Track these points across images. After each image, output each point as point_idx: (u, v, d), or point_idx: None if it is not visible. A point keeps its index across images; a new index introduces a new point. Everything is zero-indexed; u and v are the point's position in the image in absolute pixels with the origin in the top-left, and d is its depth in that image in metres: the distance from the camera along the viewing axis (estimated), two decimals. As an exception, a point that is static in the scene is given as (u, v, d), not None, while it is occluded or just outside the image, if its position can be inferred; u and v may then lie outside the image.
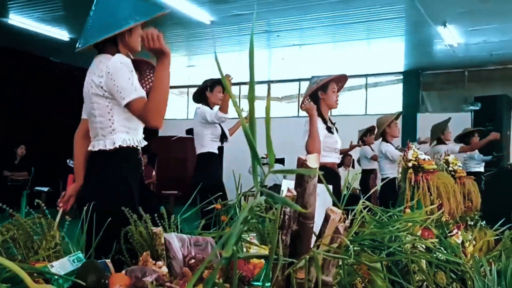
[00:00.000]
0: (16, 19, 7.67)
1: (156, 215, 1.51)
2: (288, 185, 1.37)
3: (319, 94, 3.48)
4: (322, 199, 1.43)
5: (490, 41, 8.37)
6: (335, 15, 7.44)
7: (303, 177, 0.89)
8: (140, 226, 1.39)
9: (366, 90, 11.98)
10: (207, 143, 4.15)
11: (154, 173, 9.76)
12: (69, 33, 8.56)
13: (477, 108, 8.24)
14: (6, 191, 8.67)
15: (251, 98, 0.58)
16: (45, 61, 10.44)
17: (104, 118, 1.91)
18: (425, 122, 9.66)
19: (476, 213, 3.75)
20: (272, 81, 13.08)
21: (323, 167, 3.50)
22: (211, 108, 4.18)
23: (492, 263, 1.35)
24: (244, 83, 13.24)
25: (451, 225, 2.77)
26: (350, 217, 1.25)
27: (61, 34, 8.48)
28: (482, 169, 6.61)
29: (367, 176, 6.59)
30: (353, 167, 9.33)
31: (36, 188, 9.16)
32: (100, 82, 1.88)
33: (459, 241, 2.36)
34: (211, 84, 4.23)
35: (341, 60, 10.53)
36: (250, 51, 0.54)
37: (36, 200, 1.42)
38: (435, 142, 6.50)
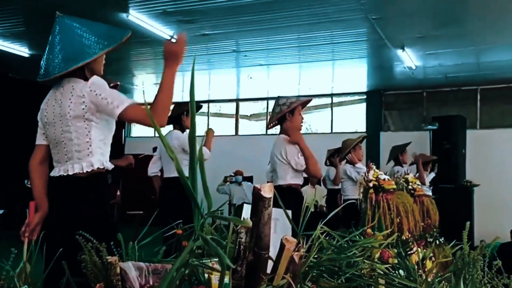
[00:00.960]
0: (-26, 35, 7.46)
1: (112, 242, 1.48)
2: (276, 213, 1.38)
3: (287, 116, 3.65)
4: (282, 224, 1.45)
5: (445, 64, 8.76)
6: (301, 37, 7.62)
7: (258, 207, 0.90)
8: (94, 256, 1.35)
9: (332, 109, 12.23)
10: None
11: (118, 192, 9.55)
12: (29, 49, 8.37)
13: (435, 127, 8.56)
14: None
15: (192, 147, 0.59)
16: (4, 78, 10.13)
17: (81, 141, 1.90)
18: (388, 140, 9.93)
19: (435, 230, 3.87)
20: (241, 100, 13.16)
21: (292, 188, 3.61)
22: (183, 131, 4.34)
23: (444, 285, 1.39)
24: (213, 101, 13.27)
25: (410, 243, 2.84)
26: (309, 242, 1.27)
27: (21, 50, 8.27)
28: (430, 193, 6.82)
29: (334, 195, 6.68)
30: (319, 184, 9.43)
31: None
32: (83, 102, 1.87)
33: (419, 259, 2.42)
34: (187, 110, 4.38)
35: (308, 80, 10.74)
36: (191, 93, 0.55)
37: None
38: (392, 162, 6.73)
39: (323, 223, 1.37)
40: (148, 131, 13.96)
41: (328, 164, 7.40)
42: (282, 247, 0.96)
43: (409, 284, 1.24)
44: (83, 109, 1.88)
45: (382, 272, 1.41)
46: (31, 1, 6.20)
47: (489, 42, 7.52)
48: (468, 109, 10.46)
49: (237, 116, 13.31)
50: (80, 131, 1.90)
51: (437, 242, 3.71)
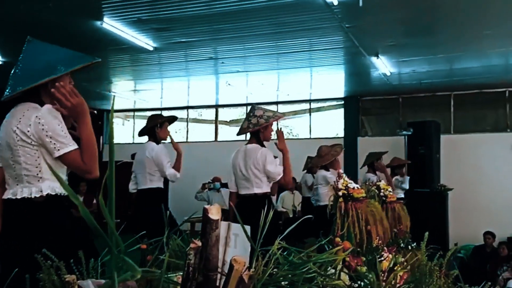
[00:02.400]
0: None
1: (72, 260, 1.47)
2: (235, 229, 1.39)
3: (261, 129, 3.82)
4: (241, 239, 1.46)
5: (418, 71, 8.94)
6: (279, 44, 7.68)
7: (206, 229, 0.92)
8: (53, 274, 1.35)
9: (310, 114, 12.33)
10: (156, 179, 4.31)
11: (94, 201, 9.42)
12: (2, 57, 8.23)
13: (410, 133, 8.72)
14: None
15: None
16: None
17: (31, 166, 1.87)
18: (365, 145, 10.05)
19: (407, 235, 3.95)
20: (220, 106, 13.16)
21: (268, 196, 3.74)
22: (158, 143, 4.38)
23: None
24: (192, 107, 13.23)
25: (380, 250, 2.89)
26: (265, 258, 1.29)
27: (-9, 62, 8.14)
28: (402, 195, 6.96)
29: (310, 202, 6.73)
30: (297, 190, 9.50)
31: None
32: (28, 130, 1.85)
33: (390, 265, 2.46)
34: (161, 122, 4.45)
35: (286, 86, 10.82)
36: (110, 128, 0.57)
37: None
38: (366, 168, 6.84)
39: (288, 232, 1.39)
40: (126, 138, 13.85)
41: (306, 171, 7.46)
42: (231, 267, 0.97)
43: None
44: (29, 137, 1.86)
45: (344, 284, 1.44)
46: (5, 10, 6.10)
47: (460, 50, 7.71)
48: (443, 114, 10.68)
49: (216, 122, 13.31)
50: (29, 156, 1.88)
51: (409, 247, 3.79)
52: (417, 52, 7.83)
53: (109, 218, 0.49)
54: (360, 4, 5.41)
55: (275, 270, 1.25)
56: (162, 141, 4.53)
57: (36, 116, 1.85)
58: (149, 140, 4.48)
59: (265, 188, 3.75)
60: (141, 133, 4.64)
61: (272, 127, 3.93)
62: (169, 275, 1.55)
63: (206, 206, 0.95)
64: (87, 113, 1.93)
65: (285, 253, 1.37)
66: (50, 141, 1.84)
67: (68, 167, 1.88)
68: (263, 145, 3.87)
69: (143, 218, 4.10)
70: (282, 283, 1.22)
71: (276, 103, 12.33)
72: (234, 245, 1.43)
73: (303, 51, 8.04)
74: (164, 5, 5.92)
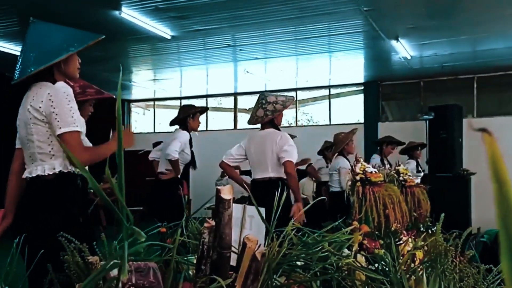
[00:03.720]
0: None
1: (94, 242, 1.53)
2: (236, 208, 1.43)
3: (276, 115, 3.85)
4: (257, 221, 1.49)
5: (440, 53, 8.75)
6: (297, 30, 7.62)
7: (219, 208, 0.95)
8: (77, 256, 1.40)
9: (330, 100, 12.25)
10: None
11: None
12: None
13: (431, 117, 8.57)
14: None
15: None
16: (1, 77, 10.17)
17: (43, 143, 1.91)
18: (386, 130, 9.93)
19: (427, 219, 3.92)
20: (239, 93, 13.18)
21: (283, 180, 3.76)
22: (189, 132, 4.44)
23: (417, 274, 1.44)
24: (211, 96, 13.30)
25: (399, 234, 2.89)
26: (280, 238, 1.32)
27: (16, 49, 8.31)
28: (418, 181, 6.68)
29: (320, 187, 6.83)
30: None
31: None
32: (40, 107, 1.89)
33: (410, 248, 2.47)
34: (194, 113, 4.53)
35: (305, 72, 10.75)
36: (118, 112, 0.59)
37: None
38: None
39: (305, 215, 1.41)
40: (147, 127, 14.02)
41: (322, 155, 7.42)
42: (244, 245, 1.00)
43: (376, 277, 1.29)
44: (41, 113, 1.90)
45: (359, 265, 1.46)
46: (24, 1, 6.22)
47: (484, 31, 7.51)
48: (465, 97, 10.46)
49: (235, 110, 13.34)
50: (41, 134, 1.92)
51: (430, 232, 3.77)
52: (439, 35, 7.66)
53: (118, 192, 0.52)
54: (379, -14, 5.32)
55: (289, 250, 1.27)
56: (193, 131, 4.57)
57: (48, 93, 1.89)
58: (180, 128, 4.52)
59: (281, 173, 3.77)
60: (172, 123, 4.69)
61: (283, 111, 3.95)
62: (188, 257, 1.60)
63: (219, 187, 0.97)
64: (127, 144, 2.01)
65: (299, 234, 1.39)
66: (56, 118, 1.87)
67: (65, 145, 1.86)
68: (279, 130, 3.90)
69: (157, 204, 4.20)
70: (297, 262, 1.25)
71: (295, 89, 12.28)
72: (250, 227, 1.46)
73: (322, 36, 7.97)
74: (181, -7, 5.95)
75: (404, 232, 3.17)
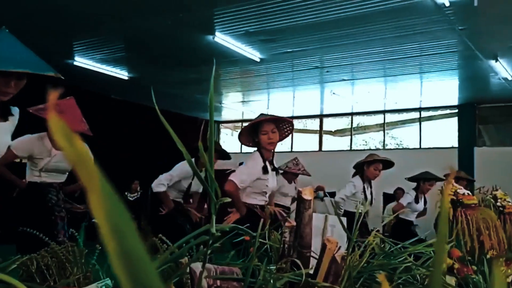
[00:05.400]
0: (81, 60, 8.34)
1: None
2: (318, 218, 1.46)
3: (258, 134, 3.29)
4: (338, 231, 1.50)
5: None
6: (387, 50, 7.50)
7: (300, 208, 0.98)
8: (168, 256, 1.50)
9: (420, 123, 11.74)
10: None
11: (205, 206, 9.99)
12: (128, 73, 9.17)
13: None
14: (68, 222, 9.18)
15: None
16: (106, 99, 11.18)
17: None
18: (483, 156, 9.28)
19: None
20: (324, 115, 13.14)
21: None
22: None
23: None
24: (296, 117, 13.41)
25: (500, 262, 2.68)
26: (361, 248, 1.31)
27: (121, 73, 9.10)
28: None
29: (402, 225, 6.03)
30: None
31: (94, 220, 9.64)
32: None
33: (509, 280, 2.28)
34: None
35: (394, 94, 10.46)
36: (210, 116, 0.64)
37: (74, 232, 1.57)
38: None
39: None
40: (235, 148, 14.46)
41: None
42: (323, 247, 1.02)
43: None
44: None
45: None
46: (130, 30, 6.84)
47: None
48: None
49: (321, 132, 13.30)
50: None
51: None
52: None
53: (209, 167, 0.57)
54: (475, 3, 5.07)
55: (370, 260, 1.26)
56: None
57: None
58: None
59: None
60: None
61: (268, 134, 3.26)
62: (270, 267, 1.63)
63: (300, 188, 1.01)
64: None
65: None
66: None
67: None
68: (261, 154, 3.47)
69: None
70: (378, 272, 1.23)
71: (383, 111, 11.96)
72: (331, 235, 1.47)
73: (412, 56, 7.75)
74: (271, 17, 6.15)
75: (502, 260, 2.93)
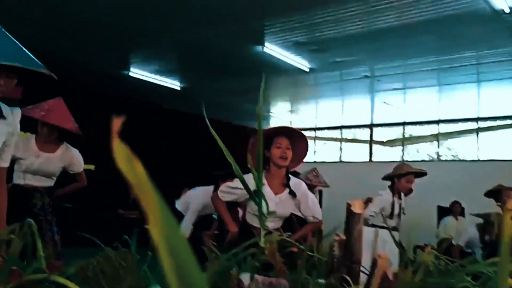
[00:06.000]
0: (136, 71, 8.67)
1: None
2: (368, 232, 1.42)
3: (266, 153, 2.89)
4: (390, 246, 1.46)
5: None
6: (442, 59, 7.26)
7: (349, 222, 0.96)
8: (216, 265, 1.51)
9: (478, 134, 11.22)
10: None
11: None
12: (181, 83, 9.42)
13: None
14: (120, 228, 9.49)
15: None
16: (159, 108, 11.54)
17: None
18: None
19: None
20: (375, 125, 12.87)
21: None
22: None
23: None
24: (345, 127, 13.22)
25: None
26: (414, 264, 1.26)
27: (174, 83, 9.36)
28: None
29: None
30: (462, 215, 8.66)
31: (146, 226, 9.92)
32: None
33: None
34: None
35: (449, 104, 10.09)
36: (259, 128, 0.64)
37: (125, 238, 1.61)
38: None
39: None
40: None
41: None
42: (374, 263, 0.99)
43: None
44: None
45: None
46: (183, 42, 7.04)
47: None
48: None
49: (371, 142, 13.02)
50: None
51: None
52: None
53: (258, 181, 0.57)
54: (538, 8, 4.81)
55: (424, 278, 1.21)
56: None
57: None
58: None
59: None
60: None
61: (281, 148, 2.80)
62: (317, 280, 1.61)
63: (349, 201, 0.99)
64: None
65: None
66: None
67: None
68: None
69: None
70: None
71: (437, 121, 11.55)
72: (382, 251, 1.43)
73: (469, 65, 7.44)
74: (321, 27, 6.12)
75: None
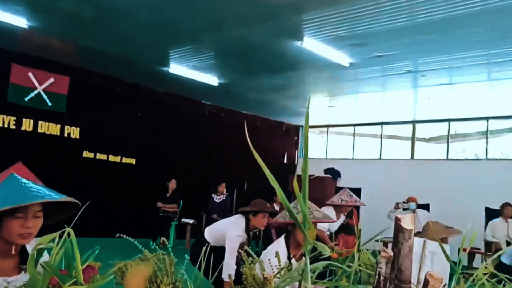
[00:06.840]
0: (175, 68, 8.77)
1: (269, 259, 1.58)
2: (432, 246, 1.32)
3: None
4: (439, 259, 1.35)
5: None
6: (490, 52, 6.89)
7: (398, 238, 0.87)
8: (253, 269, 1.46)
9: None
10: None
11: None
12: (218, 79, 9.44)
13: None
14: (158, 221, 9.67)
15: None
16: (197, 103, 11.65)
17: None
18: None
19: None
20: (418, 121, 12.45)
21: None
22: None
23: None
24: (386, 123, 12.86)
25: None
26: (468, 282, 1.15)
27: (212, 79, 9.39)
28: None
29: None
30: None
31: (183, 220, 10.06)
32: None
33: None
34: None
35: (499, 99, 9.60)
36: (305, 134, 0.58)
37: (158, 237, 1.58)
38: None
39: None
40: (320, 153, 14.23)
41: None
42: (426, 282, 0.90)
43: None
44: None
45: None
46: (222, 38, 7.02)
47: None
48: None
49: (413, 139, 12.61)
50: None
51: None
52: None
53: (303, 205, 0.50)
54: None
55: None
56: None
57: None
58: None
59: None
60: None
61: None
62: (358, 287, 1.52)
63: (399, 215, 0.90)
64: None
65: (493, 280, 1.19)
66: None
67: None
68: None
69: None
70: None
71: (486, 118, 11.02)
72: (431, 264, 1.32)
73: (521, 58, 7.03)
74: (362, 20, 5.93)
75: None
